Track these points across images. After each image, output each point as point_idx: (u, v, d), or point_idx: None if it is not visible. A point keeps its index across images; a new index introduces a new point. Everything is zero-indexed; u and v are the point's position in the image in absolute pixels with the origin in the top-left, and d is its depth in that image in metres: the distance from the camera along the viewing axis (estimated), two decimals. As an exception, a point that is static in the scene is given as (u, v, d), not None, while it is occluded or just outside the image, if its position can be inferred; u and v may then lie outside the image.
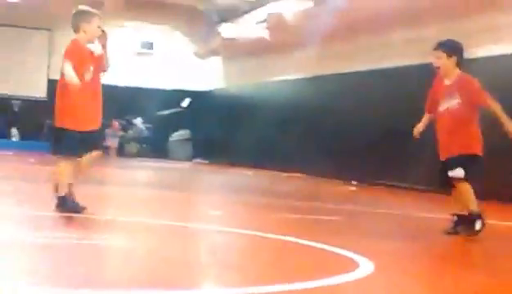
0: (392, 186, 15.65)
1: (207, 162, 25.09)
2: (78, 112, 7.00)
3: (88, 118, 7.09)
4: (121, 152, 25.86)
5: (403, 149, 14.18)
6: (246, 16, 22.48)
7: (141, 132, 26.83)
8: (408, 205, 12.32)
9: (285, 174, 19.46)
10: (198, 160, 25.50)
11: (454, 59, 7.11)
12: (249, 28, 22.05)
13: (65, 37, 29.25)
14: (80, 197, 7.01)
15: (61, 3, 24.35)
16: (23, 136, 26.21)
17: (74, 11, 7.50)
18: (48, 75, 26.74)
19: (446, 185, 7.14)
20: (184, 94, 27.62)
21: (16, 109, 26.28)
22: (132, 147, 26.77)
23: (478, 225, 6.95)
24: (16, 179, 12.75)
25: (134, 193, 11.78)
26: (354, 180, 16.98)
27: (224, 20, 23.91)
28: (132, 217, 7.36)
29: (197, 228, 6.66)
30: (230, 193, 13.29)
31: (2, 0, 22.82)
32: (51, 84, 26.31)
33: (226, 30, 23.55)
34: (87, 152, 7.04)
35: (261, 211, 9.68)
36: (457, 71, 7.19)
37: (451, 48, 7.19)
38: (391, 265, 5.51)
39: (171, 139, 26.95)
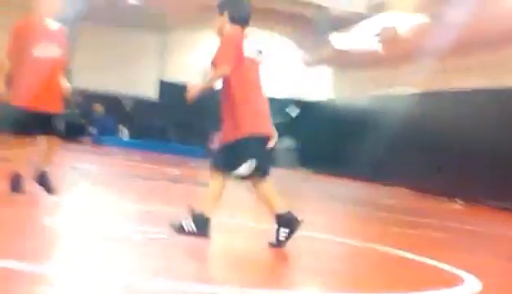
0: (500, 207, 15.22)
1: (311, 171, 25.02)
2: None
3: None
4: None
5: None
6: (358, 26, 22.33)
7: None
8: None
9: (389, 187, 19.21)
10: (302, 169, 25.46)
11: None
12: (361, 39, 21.89)
13: (178, 39, 29.78)
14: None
15: (176, 6, 24.91)
16: (132, 135, 26.79)
17: None
18: (160, 76, 27.28)
19: None
20: (291, 102, 27.68)
21: (128, 109, 26.90)
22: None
23: None
24: (127, 175, 13.07)
25: (235, 196, 11.82)
26: (459, 197, 16.60)
27: (334, 28, 23.81)
28: (236, 219, 7.39)
29: (298, 234, 6.62)
30: (332, 202, 13.22)
31: (121, 2, 23.39)
32: (163, 85, 27.01)
33: (338, 40, 23.43)
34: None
35: (364, 222, 9.59)
36: None
37: None
38: (499, 285, 5.35)
39: (277, 147, 26.97)
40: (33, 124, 6.90)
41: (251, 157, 5.78)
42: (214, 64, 5.78)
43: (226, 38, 5.95)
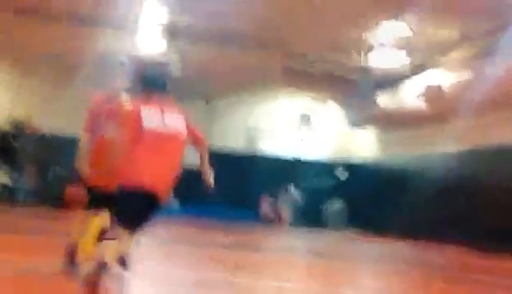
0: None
1: (360, 231, 24.84)
2: None
3: None
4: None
5: None
6: (402, 86, 22.35)
7: (295, 200, 26.99)
8: None
9: (439, 245, 18.95)
10: (351, 229, 25.30)
11: None
12: (406, 98, 21.89)
13: (222, 106, 30.04)
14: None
15: (219, 76, 25.27)
16: (182, 203, 26.89)
17: None
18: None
19: None
20: (339, 164, 27.67)
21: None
22: (287, 215, 27.00)
23: None
24: (182, 243, 13.10)
25: (291, 260, 11.82)
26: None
27: (380, 89, 23.86)
28: (288, 283, 7.34)
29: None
30: (385, 263, 13.05)
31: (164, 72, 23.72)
32: (209, 152, 27.20)
33: (383, 100, 23.46)
34: None
35: (420, 282, 9.46)
36: None
37: None
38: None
39: (325, 208, 26.93)
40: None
41: None
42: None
43: None
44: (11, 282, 6.33)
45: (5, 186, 24.37)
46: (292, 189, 27.05)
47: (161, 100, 6.17)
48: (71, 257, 7.10)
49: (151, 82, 6.20)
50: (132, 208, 5.66)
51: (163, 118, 6.11)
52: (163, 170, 6.05)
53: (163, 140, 6.06)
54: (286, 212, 25.79)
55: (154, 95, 6.16)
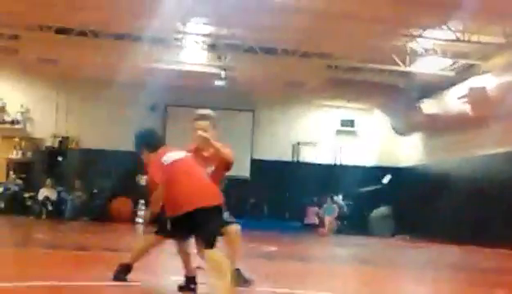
0: None
1: (408, 238, 24.68)
2: None
3: None
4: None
5: None
6: (447, 92, 22.21)
7: (341, 209, 26.92)
8: None
9: (489, 249, 18.75)
10: (399, 236, 25.15)
11: None
12: (450, 103, 21.75)
13: (267, 117, 30.35)
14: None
15: (261, 85, 25.37)
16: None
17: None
18: (252, 155, 27.60)
19: None
20: (384, 170, 27.58)
21: (222, 188, 27.17)
22: (333, 224, 26.94)
23: None
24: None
25: (338, 269, 11.81)
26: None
27: (424, 95, 23.74)
28: (331, 292, 7.35)
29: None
30: (431, 268, 12.97)
31: (209, 84, 23.94)
32: (254, 163, 27.37)
33: (427, 106, 23.34)
34: None
35: (466, 286, 9.40)
36: None
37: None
38: None
39: (371, 215, 26.82)
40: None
41: None
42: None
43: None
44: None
45: (51, 201, 24.74)
46: (337, 197, 27.00)
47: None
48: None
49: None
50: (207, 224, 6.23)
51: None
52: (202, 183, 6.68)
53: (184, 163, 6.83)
54: (332, 221, 25.74)
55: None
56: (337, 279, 9.79)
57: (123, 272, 7.43)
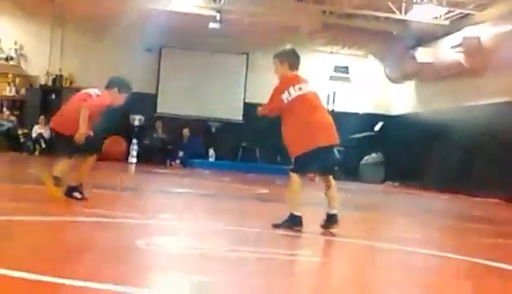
0: None
1: (397, 184, 24.92)
2: None
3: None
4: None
5: None
6: (441, 41, 22.21)
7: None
8: None
9: (479, 199, 18.94)
10: (389, 183, 25.38)
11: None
12: (444, 52, 21.77)
13: (260, 61, 30.13)
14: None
15: (256, 29, 25.27)
16: (218, 157, 27.18)
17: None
18: (245, 98, 27.64)
19: None
20: (377, 118, 27.68)
21: (213, 130, 27.29)
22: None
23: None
24: (217, 196, 13.36)
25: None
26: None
27: (419, 44, 23.74)
28: (331, 236, 7.44)
29: (395, 248, 6.74)
30: (424, 215, 13.13)
31: (203, 27, 23.87)
32: (247, 107, 27.39)
33: (421, 55, 23.35)
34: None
35: (459, 234, 9.56)
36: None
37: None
38: None
39: (362, 162, 26.98)
40: None
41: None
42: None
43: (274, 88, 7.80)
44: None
45: (44, 139, 24.79)
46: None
47: None
48: None
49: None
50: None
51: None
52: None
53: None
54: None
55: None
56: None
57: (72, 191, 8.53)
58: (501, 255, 7.08)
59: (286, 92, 7.54)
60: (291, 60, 7.80)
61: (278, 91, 7.63)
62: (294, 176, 7.49)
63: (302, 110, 7.51)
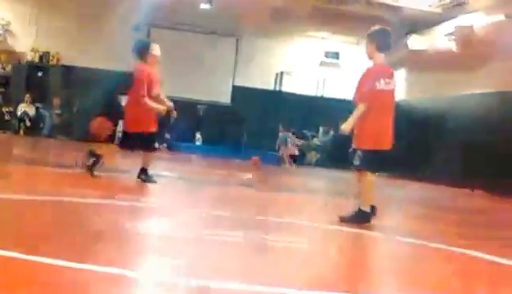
0: None
1: (385, 174, 24.76)
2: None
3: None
4: (302, 160, 25.90)
5: None
6: (434, 28, 22.06)
7: (322, 142, 26.88)
8: None
9: (467, 189, 18.87)
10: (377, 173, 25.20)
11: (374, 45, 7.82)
12: (436, 40, 21.63)
13: (250, 45, 29.90)
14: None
15: (247, 11, 25.02)
16: (205, 140, 26.96)
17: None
18: (234, 81, 27.43)
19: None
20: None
21: (201, 113, 27.05)
22: (312, 156, 26.90)
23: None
24: (202, 181, 13.23)
25: (312, 200, 11.88)
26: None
27: (411, 31, 23.57)
28: (311, 222, 7.41)
29: (368, 234, 6.62)
30: (406, 205, 13.09)
31: (193, 7, 23.64)
32: (236, 90, 27.20)
33: (414, 42, 23.19)
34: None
35: (439, 223, 9.49)
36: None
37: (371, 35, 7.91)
38: None
39: (350, 150, 26.74)
40: None
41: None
42: (354, 99, 7.88)
43: (364, 73, 7.91)
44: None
45: (29, 117, 24.52)
46: (320, 129, 26.94)
47: None
48: None
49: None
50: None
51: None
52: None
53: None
54: (286, 151, 24.85)
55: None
56: (302, 208, 9.92)
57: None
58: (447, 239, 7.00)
59: (378, 82, 7.67)
60: (379, 40, 7.87)
61: (371, 77, 7.72)
62: (369, 174, 7.72)
63: (384, 106, 7.76)
